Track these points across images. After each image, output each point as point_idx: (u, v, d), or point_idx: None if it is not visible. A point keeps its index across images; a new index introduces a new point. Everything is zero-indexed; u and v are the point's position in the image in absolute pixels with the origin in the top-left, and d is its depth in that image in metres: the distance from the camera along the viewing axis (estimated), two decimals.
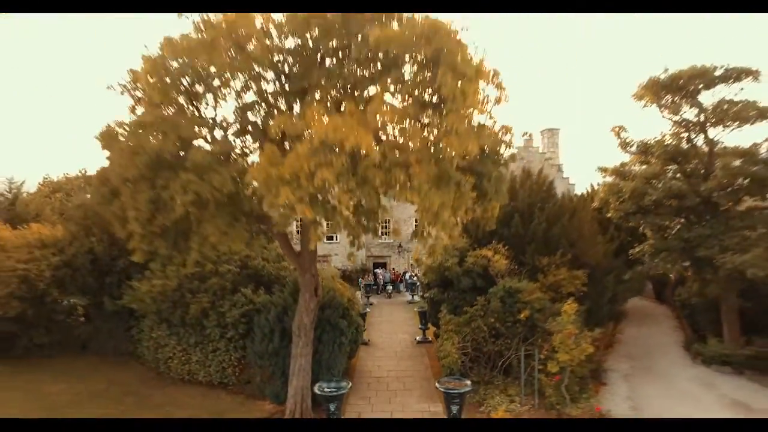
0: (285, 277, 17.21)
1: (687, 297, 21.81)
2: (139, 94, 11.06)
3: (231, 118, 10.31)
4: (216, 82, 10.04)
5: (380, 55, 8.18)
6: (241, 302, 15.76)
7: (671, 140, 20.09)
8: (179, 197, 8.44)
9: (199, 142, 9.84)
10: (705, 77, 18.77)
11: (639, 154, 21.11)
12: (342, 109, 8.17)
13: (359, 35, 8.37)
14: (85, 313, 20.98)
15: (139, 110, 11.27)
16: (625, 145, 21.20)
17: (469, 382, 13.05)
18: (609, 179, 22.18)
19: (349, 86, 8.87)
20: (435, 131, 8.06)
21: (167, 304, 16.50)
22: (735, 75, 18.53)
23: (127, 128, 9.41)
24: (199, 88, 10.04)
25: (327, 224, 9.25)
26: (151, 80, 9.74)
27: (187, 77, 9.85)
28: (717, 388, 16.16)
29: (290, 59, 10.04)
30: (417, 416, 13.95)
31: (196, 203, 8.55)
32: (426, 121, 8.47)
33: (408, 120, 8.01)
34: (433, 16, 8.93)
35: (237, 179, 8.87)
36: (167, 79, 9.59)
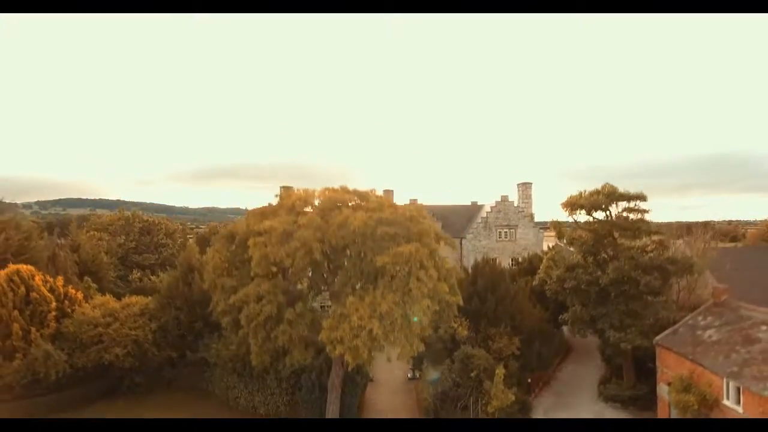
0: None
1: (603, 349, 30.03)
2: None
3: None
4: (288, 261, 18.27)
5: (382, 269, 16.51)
6: (291, 364, 23.95)
7: (588, 238, 28.30)
8: (281, 336, 16.67)
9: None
10: (609, 197, 27.06)
11: (568, 244, 29.37)
12: (361, 292, 16.52)
13: (370, 257, 16.73)
14: (171, 361, 29.11)
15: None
16: (560, 236, 29.51)
17: None
18: (548, 262, 30.45)
19: (363, 280, 17.18)
20: (407, 309, 16.23)
21: (239, 363, 24.71)
22: (628, 198, 26.88)
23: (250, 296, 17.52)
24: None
25: None
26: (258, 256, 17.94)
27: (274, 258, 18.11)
28: (604, 417, 24.34)
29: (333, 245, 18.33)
30: None
31: (289, 341, 16.78)
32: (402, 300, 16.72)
33: (393, 305, 16.28)
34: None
35: (311, 325, 17.17)
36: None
